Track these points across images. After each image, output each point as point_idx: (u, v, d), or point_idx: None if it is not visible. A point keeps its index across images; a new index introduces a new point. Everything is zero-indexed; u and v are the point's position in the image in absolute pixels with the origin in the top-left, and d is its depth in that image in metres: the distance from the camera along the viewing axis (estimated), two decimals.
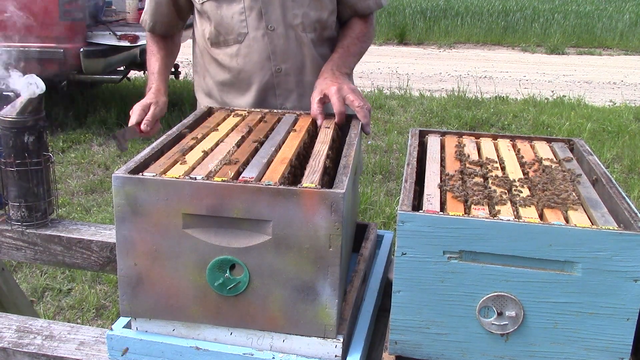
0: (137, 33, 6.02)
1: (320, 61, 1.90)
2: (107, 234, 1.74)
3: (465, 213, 1.16)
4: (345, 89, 1.65)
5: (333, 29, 1.95)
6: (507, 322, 1.13)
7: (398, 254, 1.13)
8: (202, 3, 1.90)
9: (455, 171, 1.35)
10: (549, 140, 1.58)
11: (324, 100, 1.66)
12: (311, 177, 1.19)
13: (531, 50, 12.12)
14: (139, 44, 5.99)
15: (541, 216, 1.16)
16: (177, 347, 1.21)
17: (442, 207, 1.19)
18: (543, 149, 1.52)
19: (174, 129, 1.47)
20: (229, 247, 1.15)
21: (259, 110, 1.71)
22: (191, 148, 1.36)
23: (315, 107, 1.64)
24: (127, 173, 1.17)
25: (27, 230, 1.73)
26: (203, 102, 2.04)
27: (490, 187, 1.26)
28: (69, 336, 1.40)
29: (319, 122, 1.61)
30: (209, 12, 1.89)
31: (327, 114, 1.65)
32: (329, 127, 1.56)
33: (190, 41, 2.15)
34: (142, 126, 1.76)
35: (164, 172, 1.20)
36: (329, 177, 1.32)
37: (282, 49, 1.88)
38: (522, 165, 1.41)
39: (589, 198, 1.25)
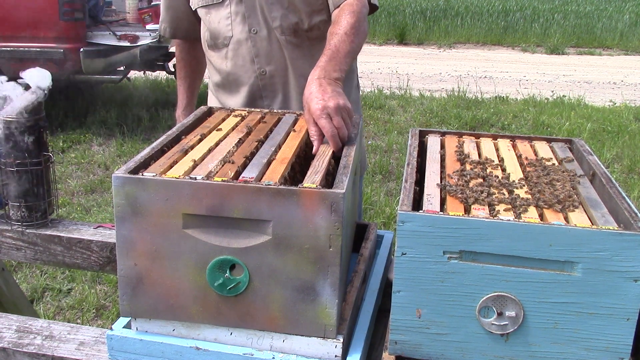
0: (137, 33, 6.04)
1: (302, 63, 1.88)
2: (107, 234, 1.74)
3: (465, 213, 1.15)
4: (331, 108, 1.41)
5: (321, 30, 1.88)
6: (507, 322, 1.13)
7: (398, 254, 1.13)
8: (196, 10, 1.97)
9: (455, 171, 1.35)
10: (549, 140, 1.58)
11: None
12: (313, 178, 1.19)
13: (531, 50, 12.13)
14: (139, 44, 5.99)
15: (541, 216, 1.16)
16: (177, 347, 1.21)
17: (442, 207, 1.19)
18: (543, 149, 1.52)
19: (174, 129, 1.47)
20: (229, 247, 1.15)
21: (259, 110, 1.71)
22: (191, 148, 1.36)
23: (312, 131, 1.43)
24: (127, 173, 1.17)
25: (27, 230, 1.73)
26: (211, 101, 2.11)
27: (490, 187, 1.26)
28: (69, 336, 1.39)
29: (315, 146, 1.40)
30: (202, 18, 1.96)
31: None
32: None
33: None
34: None
35: (164, 172, 1.20)
36: (332, 177, 1.32)
37: (266, 52, 1.90)
38: (522, 165, 1.41)
39: (589, 198, 1.25)
